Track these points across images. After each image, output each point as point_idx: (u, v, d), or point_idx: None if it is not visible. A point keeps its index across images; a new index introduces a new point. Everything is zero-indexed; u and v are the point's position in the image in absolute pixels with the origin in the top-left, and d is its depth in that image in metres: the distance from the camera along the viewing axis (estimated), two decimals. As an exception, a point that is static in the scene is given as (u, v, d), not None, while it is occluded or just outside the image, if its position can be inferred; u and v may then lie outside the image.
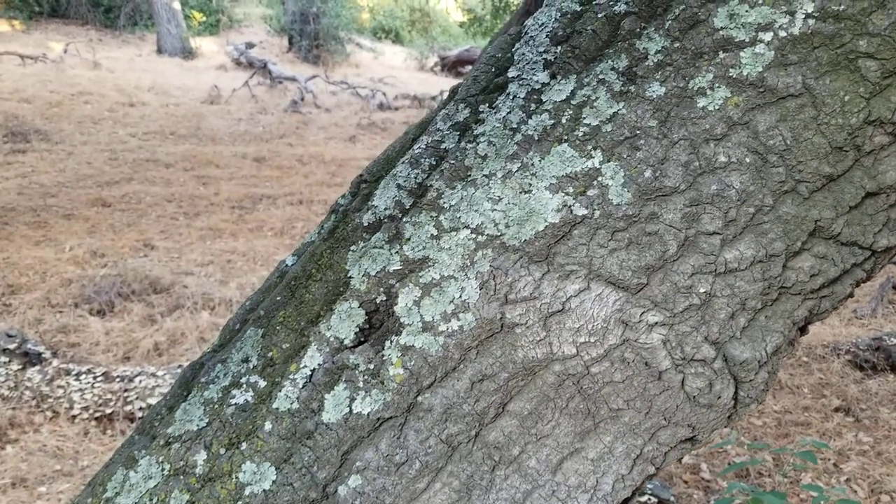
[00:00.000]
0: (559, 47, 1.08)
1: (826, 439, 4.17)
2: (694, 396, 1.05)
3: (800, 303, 1.06)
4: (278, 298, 1.14)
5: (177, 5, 21.10)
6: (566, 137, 1.02)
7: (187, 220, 7.85)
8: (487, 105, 1.11)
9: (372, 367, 1.04)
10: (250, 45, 21.32)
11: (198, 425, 1.10)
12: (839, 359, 5.14)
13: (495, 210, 1.03)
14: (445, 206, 1.05)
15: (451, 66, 24.59)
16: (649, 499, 3.25)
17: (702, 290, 1.01)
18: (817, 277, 1.04)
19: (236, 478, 1.05)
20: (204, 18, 24.49)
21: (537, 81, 1.07)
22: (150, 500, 1.08)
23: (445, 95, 1.22)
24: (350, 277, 1.08)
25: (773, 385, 4.60)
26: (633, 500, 1.15)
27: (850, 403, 4.56)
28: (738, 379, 1.07)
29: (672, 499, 3.34)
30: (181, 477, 1.08)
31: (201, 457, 1.07)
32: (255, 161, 10.79)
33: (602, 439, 1.08)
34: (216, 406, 1.10)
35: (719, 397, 1.06)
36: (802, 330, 1.14)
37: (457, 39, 29.71)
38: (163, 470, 1.09)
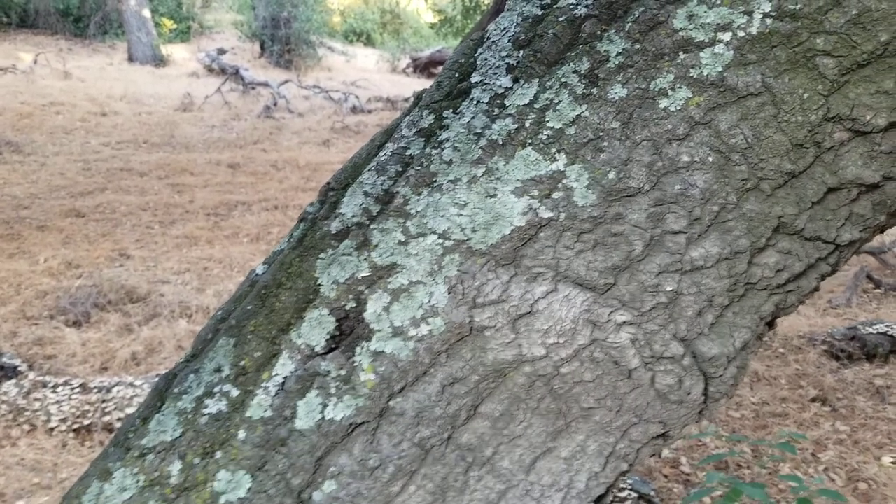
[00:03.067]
0: (521, 51, 1.09)
1: (804, 429, 4.21)
2: (664, 393, 1.07)
3: (766, 298, 1.08)
4: (249, 307, 1.14)
5: (147, 13, 20.97)
6: (530, 141, 1.03)
7: (163, 229, 7.80)
8: (451, 111, 1.11)
9: (343, 373, 1.05)
10: (222, 52, 21.21)
11: (172, 436, 1.10)
12: (815, 349, 5.18)
13: (461, 215, 1.03)
14: (412, 212, 1.06)
15: (423, 67, 24.59)
16: (629, 494, 3.26)
17: (669, 289, 1.03)
18: (783, 273, 1.06)
19: (211, 487, 1.05)
20: (174, 26, 24.34)
21: (500, 86, 1.08)
22: (126, 512, 1.08)
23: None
24: (319, 285, 1.09)
25: (750, 377, 4.64)
26: (608, 496, 1.16)
27: (827, 393, 4.60)
28: (707, 375, 1.08)
29: (652, 493, 3.36)
30: (156, 488, 1.08)
31: (176, 467, 1.07)
32: (230, 167, 10.74)
33: (574, 438, 1.09)
34: (190, 416, 1.10)
35: (689, 393, 1.07)
36: (770, 324, 1.15)
37: (428, 40, 29.72)
38: (138, 482, 1.09)
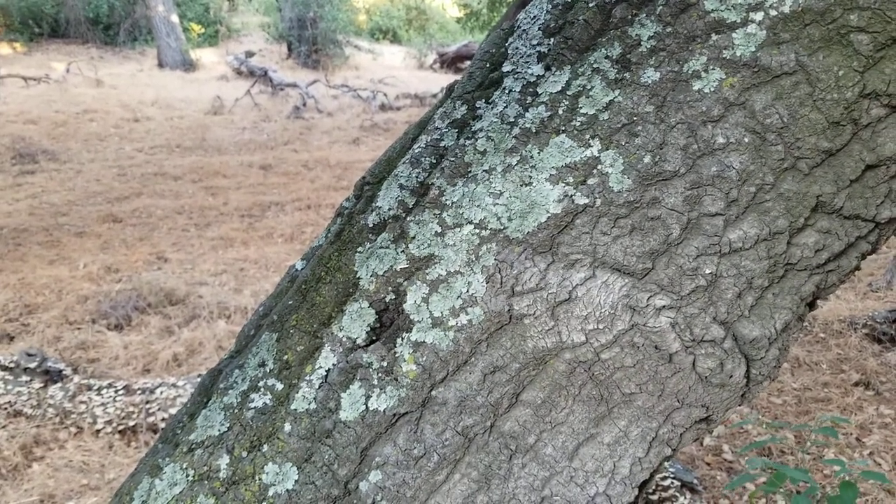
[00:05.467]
0: (552, 39, 1.09)
1: (847, 414, 4.17)
2: (706, 377, 1.06)
3: (806, 278, 1.07)
4: (290, 303, 1.16)
5: (175, 18, 21.17)
6: (564, 128, 1.03)
7: (198, 231, 7.88)
8: (484, 101, 1.12)
9: (385, 364, 1.06)
10: (250, 54, 21.39)
11: (219, 430, 1.12)
12: (856, 333, 5.12)
13: (497, 204, 1.04)
14: (448, 203, 1.07)
15: (450, 62, 24.61)
16: (672, 482, 3.25)
17: (707, 272, 1.02)
18: (822, 252, 1.05)
19: (259, 479, 1.07)
20: (203, 30, 24.56)
21: (532, 74, 1.08)
22: (176, 507, 1.10)
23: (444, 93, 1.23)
24: (359, 278, 1.10)
25: (791, 362, 4.59)
26: (652, 481, 1.16)
27: (870, 377, 4.55)
28: (749, 357, 1.08)
29: (695, 481, 3.34)
30: (206, 482, 1.10)
31: (224, 461, 1.09)
32: (262, 169, 10.82)
33: (617, 424, 1.09)
34: (236, 410, 1.12)
35: (731, 376, 1.07)
36: (811, 305, 1.14)
37: (454, 35, 29.75)
38: (187, 476, 1.11)
